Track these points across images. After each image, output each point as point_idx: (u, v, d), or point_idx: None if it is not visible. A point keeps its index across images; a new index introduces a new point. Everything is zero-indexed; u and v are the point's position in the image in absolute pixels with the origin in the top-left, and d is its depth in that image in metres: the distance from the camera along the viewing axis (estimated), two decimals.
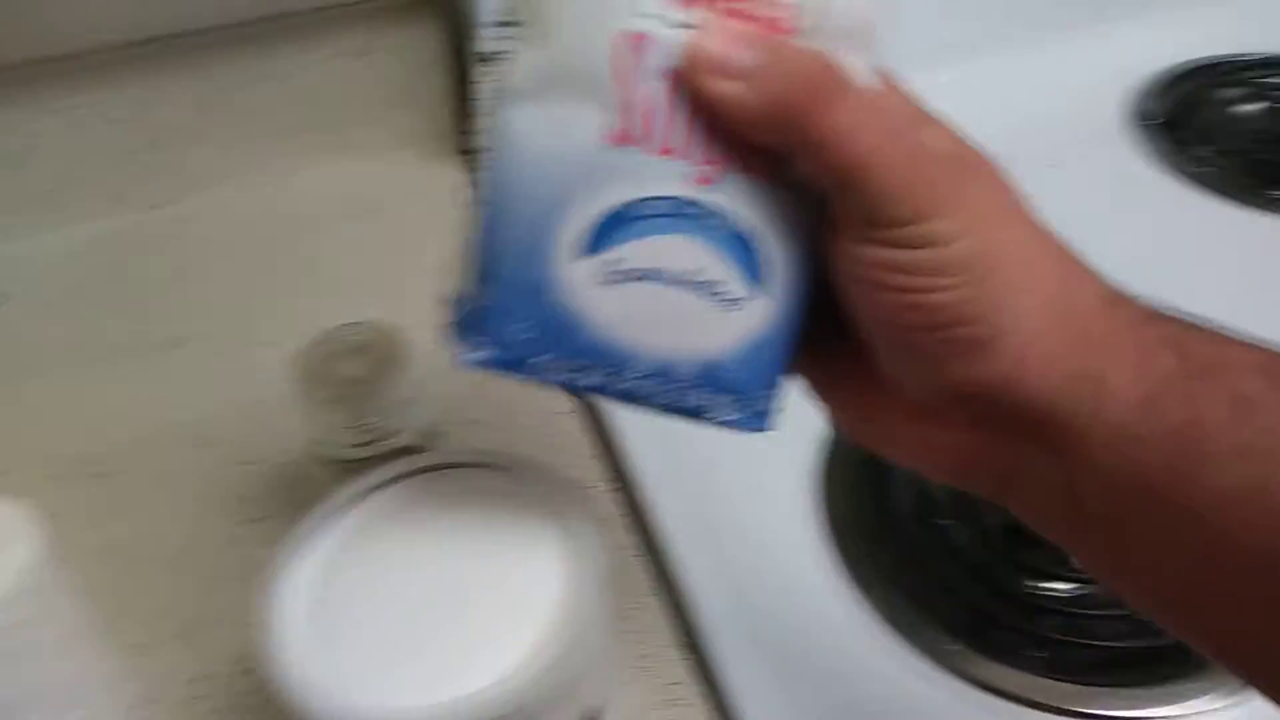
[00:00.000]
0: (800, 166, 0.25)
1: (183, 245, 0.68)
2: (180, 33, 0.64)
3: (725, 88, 0.24)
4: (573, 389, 0.27)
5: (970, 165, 0.25)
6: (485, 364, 0.27)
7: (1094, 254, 0.27)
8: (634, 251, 0.25)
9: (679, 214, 0.24)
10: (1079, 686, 0.42)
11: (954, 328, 0.24)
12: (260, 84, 0.68)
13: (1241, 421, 0.23)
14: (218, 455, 0.54)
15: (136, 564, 0.48)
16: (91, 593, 0.38)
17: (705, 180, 0.24)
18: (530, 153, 0.24)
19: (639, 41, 0.23)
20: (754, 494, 0.51)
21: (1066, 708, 0.41)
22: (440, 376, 0.57)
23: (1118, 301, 0.26)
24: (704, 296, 0.26)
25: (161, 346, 0.60)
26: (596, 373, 0.26)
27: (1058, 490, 0.26)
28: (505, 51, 0.25)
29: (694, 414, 0.28)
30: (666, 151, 0.24)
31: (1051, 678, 0.42)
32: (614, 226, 0.25)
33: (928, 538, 0.48)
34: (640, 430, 0.54)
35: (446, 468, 0.35)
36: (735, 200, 0.25)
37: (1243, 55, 0.79)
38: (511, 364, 0.26)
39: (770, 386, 0.28)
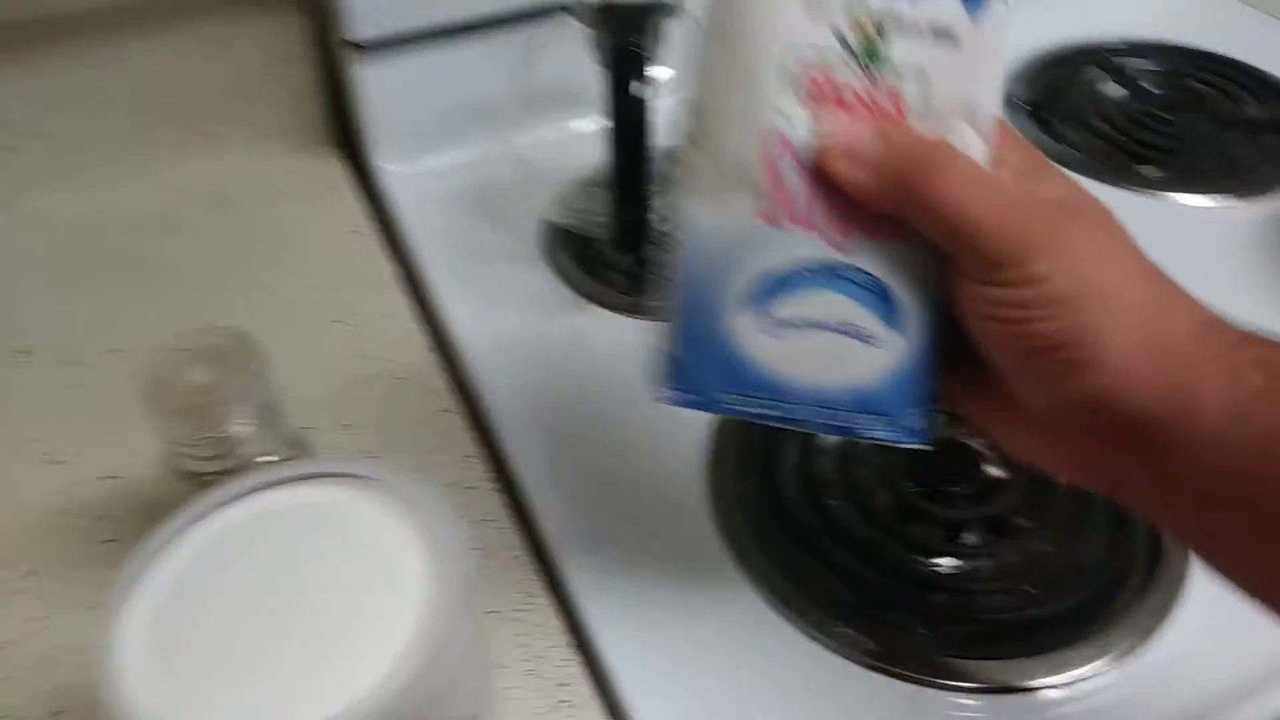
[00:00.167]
0: (919, 229, 0.30)
1: (27, 250, 0.63)
2: (19, 22, 0.60)
3: (851, 172, 0.29)
4: (758, 420, 0.33)
5: (1072, 210, 0.30)
6: (683, 404, 0.33)
7: None
8: (789, 306, 0.31)
9: (822, 273, 0.30)
10: (966, 660, 0.42)
11: (1057, 351, 0.29)
12: (110, 76, 0.64)
13: None
14: (70, 473, 0.50)
15: None
16: None
17: (841, 246, 0.30)
18: (703, 235, 0.31)
19: (780, 139, 0.29)
20: (642, 486, 0.50)
21: (954, 683, 0.41)
22: (310, 379, 0.55)
23: (1213, 327, 0.30)
24: (849, 338, 0.31)
25: (3, 358, 0.56)
26: (771, 405, 0.32)
27: (1159, 489, 0.30)
28: (684, 157, 0.31)
29: (855, 434, 0.33)
30: (808, 224, 0.30)
31: (940, 653, 0.42)
32: (772, 288, 0.31)
33: (816, 520, 0.47)
34: (522, 427, 0.52)
35: (302, 480, 0.33)
36: (867, 259, 0.30)
37: (1107, 40, 0.81)
38: (703, 403, 0.33)
39: (916, 406, 0.32)
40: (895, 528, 0.47)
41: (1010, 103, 0.74)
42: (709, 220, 0.31)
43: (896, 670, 0.42)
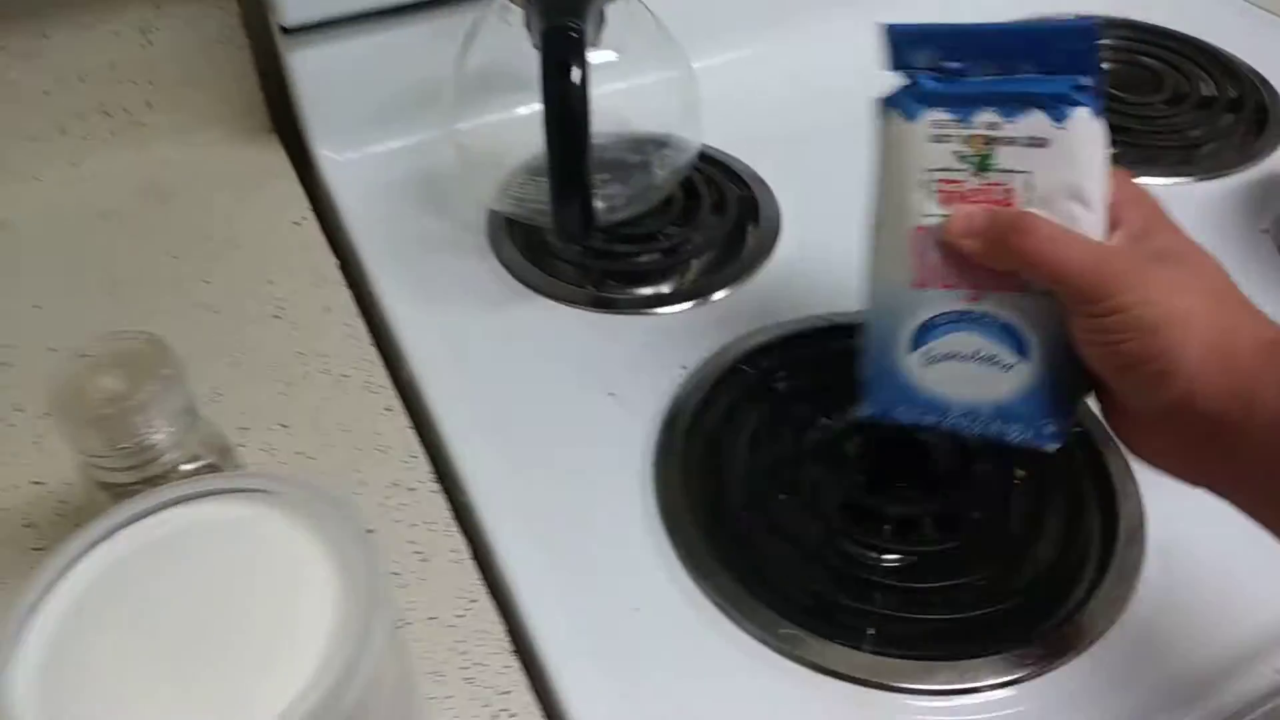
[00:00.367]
0: (1027, 278, 0.39)
1: None
2: None
3: (965, 241, 0.39)
4: (923, 427, 0.42)
5: (1164, 255, 0.38)
6: (872, 415, 0.43)
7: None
8: (939, 344, 0.41)
9: (961, 319, 0.41)
10: (912, 661, 0.41)
11: (1142, 366, 0.36)
12: (32, 67, 0.61)
13: None
14: None
15: None
16: None
17: (974, 299, 0.40)
18: (879, 298, 0.43)
19: (922, 232, 0.41)
20: (588, 485, 0.49)
21: (901, 685, 0.41)
22: (246, 377, 0.54)
23: (1276, 345, 0.36)
24: (988, 366, 0.41)
25: None
26: (932, 416, 0.42)
27: (1238, 480, 0.37)
28: (869, 245, 0.43)
29: (1000, 438, 0.41)
30: (947, 285, 0.41)
31: (885, 654, 0.41)
32: (925, 331, 0.41)
33: (763, 519, 0.46)
34: (466, 425, 0.51)
35: (211, 495, 0.32)
36: (995, 306, 0.40)
37: (1062, 16, 0.79)
38: (884, 415, 0.43)
39: (1049, 415, 0.40)
40: (841, 529, 0.46)
41: None
42: (882, 287, 0.42)
43: (843, 673, 0.41)
